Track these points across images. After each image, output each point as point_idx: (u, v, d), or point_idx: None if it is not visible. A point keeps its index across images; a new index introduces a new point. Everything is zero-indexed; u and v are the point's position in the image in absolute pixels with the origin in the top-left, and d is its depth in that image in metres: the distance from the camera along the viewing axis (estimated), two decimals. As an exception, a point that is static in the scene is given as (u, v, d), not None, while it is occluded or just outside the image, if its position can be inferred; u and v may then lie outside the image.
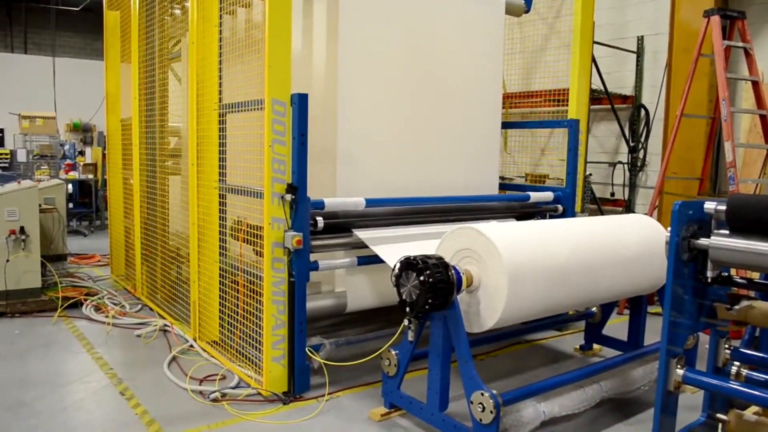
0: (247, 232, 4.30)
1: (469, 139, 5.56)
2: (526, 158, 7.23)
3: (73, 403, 4.04)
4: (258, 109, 4.08)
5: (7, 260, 5.82)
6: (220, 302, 4.79)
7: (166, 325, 5.57)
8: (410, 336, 3.65)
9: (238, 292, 4.48)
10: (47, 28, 17.85)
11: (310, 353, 4.17)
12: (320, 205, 4.24)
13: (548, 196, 5.80)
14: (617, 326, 5.26)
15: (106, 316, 5.84)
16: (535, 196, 5.74)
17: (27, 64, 17.84)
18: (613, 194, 8.36)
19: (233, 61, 4.57)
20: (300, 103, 3.94)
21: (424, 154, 5.26)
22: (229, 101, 4.59)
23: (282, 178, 3.99)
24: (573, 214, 5.79)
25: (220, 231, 4.75)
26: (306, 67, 4.90)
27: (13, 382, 4.36)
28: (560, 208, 5.80)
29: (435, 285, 3.25)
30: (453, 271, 3.35)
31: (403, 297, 3.41)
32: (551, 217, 5.77)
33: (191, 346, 5.07)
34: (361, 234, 4.56)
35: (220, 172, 4.73)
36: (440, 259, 3.37)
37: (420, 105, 5.19)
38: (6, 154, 13.86)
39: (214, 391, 4.12)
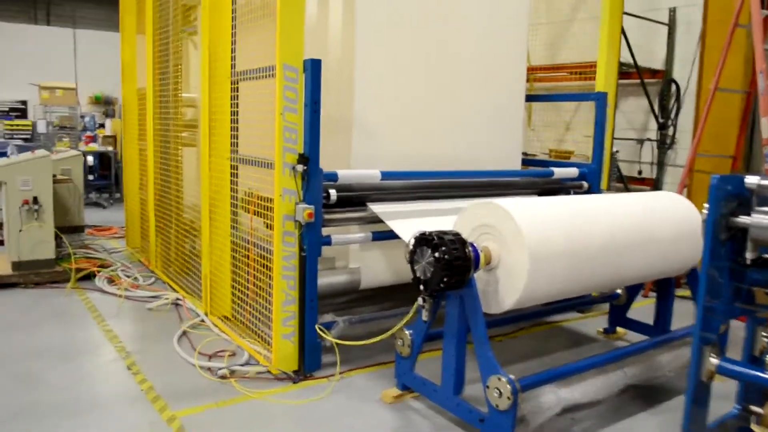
0: (258, 204, 4.16)
1: (491, 112, 5.33)
2: (551, 134, 6.99)
3: (80, 377, 3.96)
4: (269, 75, 3.90)
5: (20, 230, 5.75)
6: (231, 276, 4.67)
7: (178, 299, 5.48)
8: (425, 316, 3.49)
9: (249, 267, 4.35)
10: (69, 0, 17.76)
11: (320, 332, 4.02)
12: (333, 177, 4.07)
13: (573, 172, 5.56)
14: (643, 309, 5.04)
15: (119, 289, 5.77)
16: (559, 172, 5.51)
17: (49, 35, 17.78)
18: (640, 172, 8.08)
19: (247, 25, 4.39)
20: (313, 68, 3.74)
21: (444, 126, 5.04)
22: (242, 68, 4.42)
23: (293, 148, 3.82)
24: (598, 192, 5.56)
25: (231, 203, 4.61)
26: (322, 34, 4.71)
27: (23, 352, 4.30)
28: (585, 185, 5.57)
29: (451, 262, 3.07)
30: (470, 248, 3.17)
31: (417, 274, 3.24)
32: (576, 194, 5.55)
33: (202, 320, 4.97)
34: (377, 208, 4.38)
35: (232, 143, 4.58)
36: (457, 235, 3.19)
37: (440, 75, 4.96)
38: (27, 125, 13.88)
39: (223, 368, 4.01)
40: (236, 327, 4.67)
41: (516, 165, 5.66)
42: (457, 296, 3.30)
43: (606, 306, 5.07)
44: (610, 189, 5.90)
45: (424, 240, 3.19)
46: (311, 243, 3.92)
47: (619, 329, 4.94)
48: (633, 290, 4.75)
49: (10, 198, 5.74)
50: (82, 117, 13.31)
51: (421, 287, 3.25)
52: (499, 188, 5.16)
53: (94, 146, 11.87)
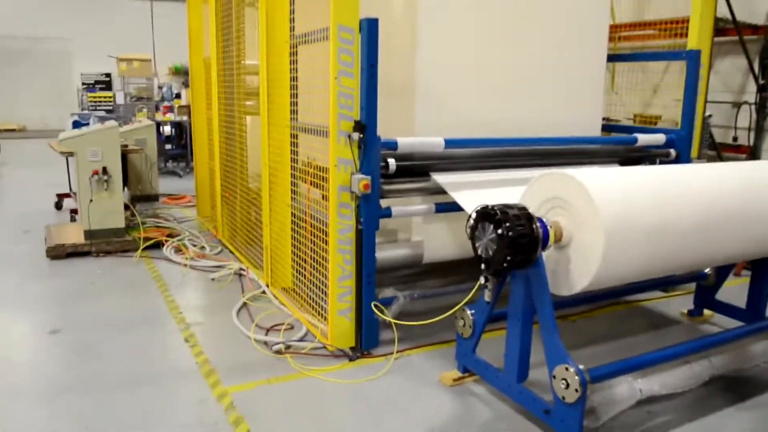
0: (315, 174, 3.98)
1: (567, 73, 4.90)
2: (636, 97, 6.46)
3: (137, 348, 3.94)
4: (325, 38, 3.68)
5: (90, 200, 5.84)
6: (291, 248, 4.55)
7: (241, 269, 5.44)
8: (487, 296, 3.23)
9: (306, 239, 4.21)
10: (148, -28, 18.12)
11: (377, 310, 3.82)
12: (393, 145, 3.82)
13: (659, 138, 5.08)
14: (734, 290, 4.55)
15: (185, 258, 5.78)
16: (643, 138, 5.03)
17: (129, 8, 18.27)
18: (736, 139, 7.38)
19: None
20: (369, 29, 3.48)
21: (515, 90, 4.67)
22: (301, 31, 4.21)
23: (349, 115, 3.59)
24: (688, 161, 5.06)
25: (291, 173, 4.46)
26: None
27: (84, 322, 4.34)
28: (673, 153, 5.08)
29: (515, 239, 2.78)
30: (538, 224, 2.87)
31: (479, 252, 2.97)
32: (662, 163, 5.08)
33: (263, 292, 4.89)
34: (440, 178, 4.12)
35: (291, 110, 4.41)
36: (523, 209, 2.89)
37: (510, 33, 4.58)
38: (110, 97, 14.29)
39: (278, 343, 3.90)
40: (296, 299, 4.56)
41: (595, 131, 5.22)
42: (522, 276, 3.02)
43: (692, 285, 4.64)
44: (701, 157, 5.38)
45: (486, 215, 2.92)
46: (368, 215, 3.71)
47: (706, 312, 4.51)
48: (724, 270, 4.30)
49: (80, 169, 5.82)
50: (160, 88, 13.57)
51: (483, 266, 2.98)
52: (575, 157, 4.78)
53: (170, 116, 12.07)
